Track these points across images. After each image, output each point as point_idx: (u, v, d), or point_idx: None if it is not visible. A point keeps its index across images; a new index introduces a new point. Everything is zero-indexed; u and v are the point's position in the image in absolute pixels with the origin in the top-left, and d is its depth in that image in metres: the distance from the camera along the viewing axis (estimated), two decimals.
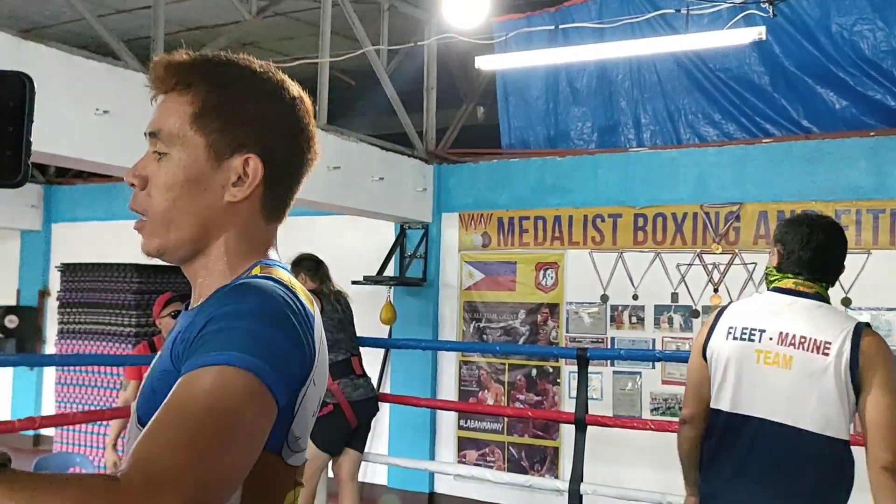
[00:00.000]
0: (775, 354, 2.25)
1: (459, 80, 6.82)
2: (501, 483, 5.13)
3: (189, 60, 1.12)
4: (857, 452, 2.24)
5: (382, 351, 6.31)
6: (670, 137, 5.80)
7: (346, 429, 4.46)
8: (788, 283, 2.34)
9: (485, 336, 6.15)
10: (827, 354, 2.19)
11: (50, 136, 3.61)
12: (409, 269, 6.31)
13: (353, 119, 6.82)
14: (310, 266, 4.62)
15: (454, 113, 6.82)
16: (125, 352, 6.46)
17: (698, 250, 5.43)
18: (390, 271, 6.26)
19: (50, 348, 7.86)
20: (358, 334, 4.72)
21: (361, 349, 4.72)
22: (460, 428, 6.22)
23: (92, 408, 6.68)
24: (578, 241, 5.85)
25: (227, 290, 1.05)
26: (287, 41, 6.81)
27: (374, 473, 6.28)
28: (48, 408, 7.57)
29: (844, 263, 2.44)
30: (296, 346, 1.01)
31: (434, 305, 6.31)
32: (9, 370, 7.74)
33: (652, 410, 5.45)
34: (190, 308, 1.17)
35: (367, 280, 5.93)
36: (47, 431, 7.71)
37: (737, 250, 5.33)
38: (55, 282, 7.71)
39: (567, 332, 5.85)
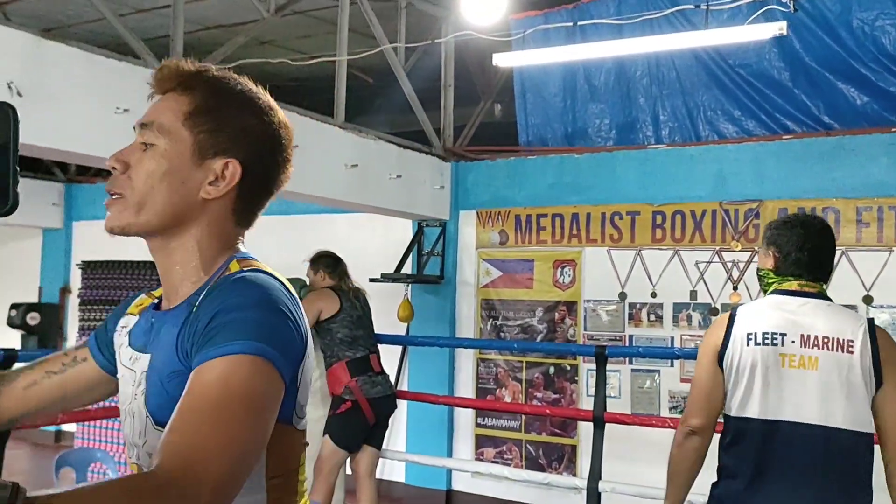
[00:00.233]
0: (800, 357, 2.26)
1: (477, 77, 6.81)
2: (519, 480, 5.12)
3: (195, 68, 1.23)
4: None
5: (400, 348, 6.32)
6: (689, 134, 5.76)
7: (364, 426, 4.47)
8: (793, 284, 2.36)
9: (502, 334, 6.15)
10: (852, 352, 2.23)
11: (71, 135, 3.64)
12: (427, 266, 6.32)
13: (371, 117, 6.83)
14: (328, 263, 4.63)
15: (472, 110, 6.81)
16: None
17: (717, 248, 5.40)
18: (408, 269, 6.27)
19: (71, 345, 7.93)
20: (375, 331, 4.74)
21: (379, 346, 4.73)
22: (478, 425, 6.22)
23: (113, 403, 6.73)
24: (596, 238, 5.83)
25: (227, 285, 1.14)
26: (305, 39, 6.83)
27: (391, 470, 6.29)
28: None
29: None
30: (294, 328, 1.12)
31: (451, 303, 6.32)
32: None
33: (670, 409, 5.43)
34: (163, 307, 1.25)
35: (385, 278, 5.94)
36: (68, 427, 7.78)
37: (756, 248, 5.28)
38: (76, 279, 7.78)
39: (585, 329, 5.84)
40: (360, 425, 4.46)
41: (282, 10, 5.30)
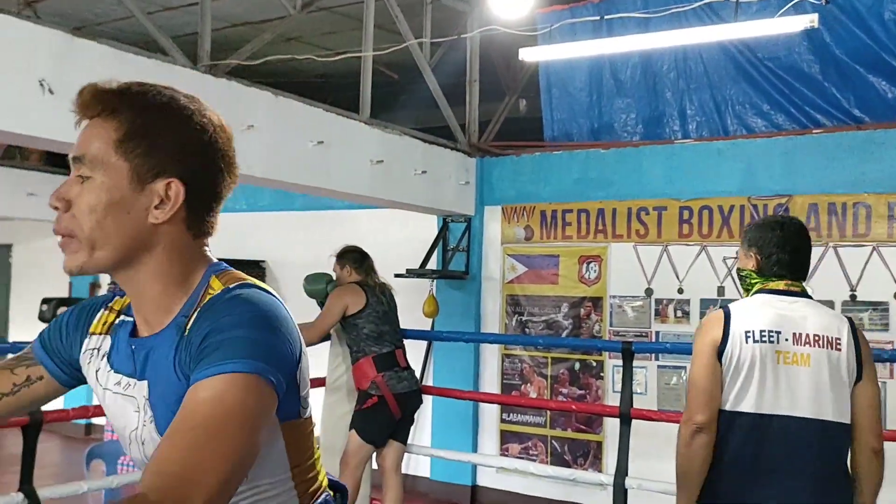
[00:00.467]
0: (794, 354, 2.37)
1: (502, 72, 6.79)
2: (545, 476, 5.11)
3: (116, 88, 1.17)
4: None
5: (425, 344, 6.33)
6: (717, 129, 5.71)
7: (390, 420, 4.48)
8: (780, 284, 2.47)
9: (527, 329, 6.14)
10: (840, 349, 2.38)
11: None
12: (452, 262, 6.32)
13: (396, 113, 6.84)
14: (355, 258, 4.64)
15: (497, 106, 6.80)
16: None
17: None
18: (433, 264, 6.27)
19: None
20: (401, 327, 4.74)
21: (404, 341, 4.74)
22: (503, 421, 6.22)
23: None
24: (622, 234, 5.80)
25: (218, 305, 1.14)
26: (331, 36, 6.85)
27: (416, 465, 6.31)
28: None
29: None
30: (286, 338, 1.13)
31: (476, 299, 6.32)
32: None
33: None
34: (141, 333, 1.24)
35: (410, 273, 5.95)
36: (98, 420, 7.89)
37: None
38: (105, 275, 7.87)
39: (610, 325, 5.81)
40: (386, 420, 4.47)
41: (308, 6, 5.32)
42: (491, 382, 6.25)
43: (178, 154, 1.16)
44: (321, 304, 4.68)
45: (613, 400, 5.43)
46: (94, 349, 1.31)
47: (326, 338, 4.69)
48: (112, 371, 1.27)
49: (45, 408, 3.65)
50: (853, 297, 5.02)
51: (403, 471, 4.82)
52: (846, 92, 5.28)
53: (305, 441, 1.27)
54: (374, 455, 4.60)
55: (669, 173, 5.64)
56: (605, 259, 5.87)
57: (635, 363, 4.47)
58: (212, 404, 1.02)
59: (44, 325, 1.45)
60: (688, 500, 2.43)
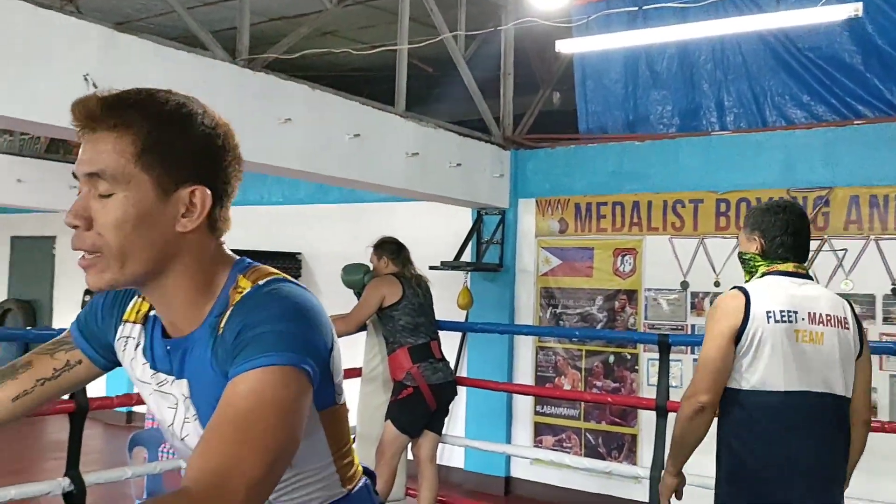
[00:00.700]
0: (810, 333, 2.47)
1: (536, 65, 6.77)
2: (580, 469, 5.10)
3: (124, 98, 1.14)
4: None
5: (459, 335, 6.36)
6: (755, 120, 5.63)
7: (425, 411, 4.52)
8: (788, 266, 2.56)
9: (561, 322, 6.13)
10: (847, 329, 2.51)
11: None
12: (486, 254, 6.33)
13: (431, 106, 6.86)
14: (392, 249, 4.68)
15: (531, 98, 6.78)
16: None
17: None
18: (467, 257, 6.29)
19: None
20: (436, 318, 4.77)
21: (439, 333, 4.76)
22: (537, 413, 6.23)
23: None
24: (658, 226, 5.76)
25: (252, 301, 1.16)
26: (366, 29, 6.89)
27: (450, 456, 6.35)
28: None
29: None
30: (318, 329, 1.16)
31: (511, 291, 6.32)
32: None
33: None
34: (172, 334, 1.25)
35: (445, 265, 5.98)
36: (139, 408, 8.05)
37: (825, 236, 5.15)
38: None
39: (645, 318, 5.78)
40: (421, 411, 4.51)
41: (344, 0, 5.36)
42: (525, 374, 6.26)
43: (196, 158, 1.16)
44: (358, 295, 4.72)
45: (648, 393, 5.41)
46: (127, 337, 1.32)
47: (363, 328, 4.73)
48: (148, 366, 1.29)
49: (89, 395, 3.74)
50: (895, 290, 4.94)
51: (438, 461, 4.85)
52: (889, 82, 5.18)
53: (343, 427, 1.33)
54: (410, 445, 4.64)
55: (706, 165, 5.58)
56: (640, 252, 5.83)
57: (671, 356, 4.45)
58: (250, 397, 1.04)
59: None
60: (677, 466, 2.68)
